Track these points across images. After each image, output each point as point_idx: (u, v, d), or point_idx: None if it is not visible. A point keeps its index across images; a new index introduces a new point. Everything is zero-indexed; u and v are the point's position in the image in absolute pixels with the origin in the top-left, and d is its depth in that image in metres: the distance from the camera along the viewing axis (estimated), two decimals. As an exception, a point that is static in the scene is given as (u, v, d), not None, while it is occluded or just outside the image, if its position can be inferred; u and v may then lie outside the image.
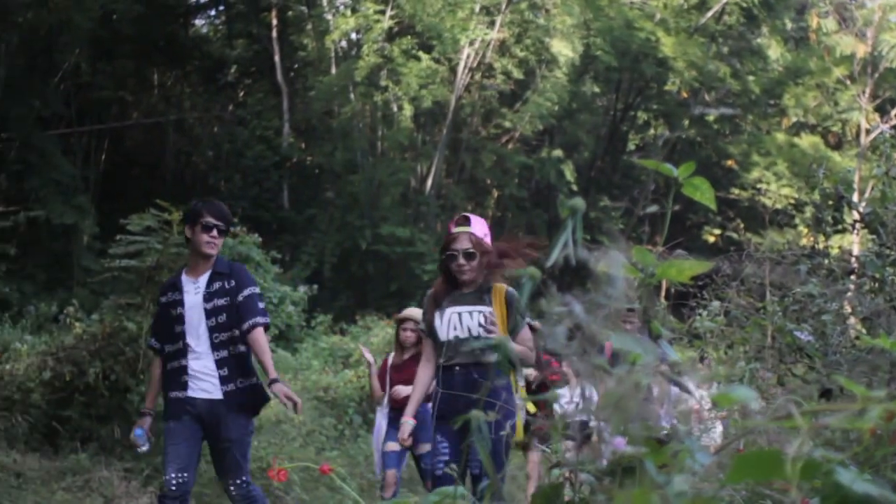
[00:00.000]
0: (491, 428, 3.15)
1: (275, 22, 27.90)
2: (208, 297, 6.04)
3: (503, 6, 25.55)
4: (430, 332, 5.76)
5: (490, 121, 27.86)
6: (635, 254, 1.69)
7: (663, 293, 20.37)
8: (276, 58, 27.51)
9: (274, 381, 5.87)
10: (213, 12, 33.39)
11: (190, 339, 5.98)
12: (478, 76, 26.68)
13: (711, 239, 29.46)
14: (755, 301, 5.38)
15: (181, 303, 6.05)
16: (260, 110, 28.76)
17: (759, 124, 30.88)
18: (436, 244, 24.14)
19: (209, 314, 6.01)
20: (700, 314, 5.47)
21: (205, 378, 5.97)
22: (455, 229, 5.81)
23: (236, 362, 6.01)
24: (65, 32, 23.55)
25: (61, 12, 22.15)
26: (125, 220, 13.35)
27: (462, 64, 25.61)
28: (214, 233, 6.08)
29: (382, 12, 25.41)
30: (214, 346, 5.97)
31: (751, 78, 28.80)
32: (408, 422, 5.88)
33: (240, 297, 6.05)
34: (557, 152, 27.54)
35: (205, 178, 28.37)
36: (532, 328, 7.71)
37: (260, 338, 6.08)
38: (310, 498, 9.31)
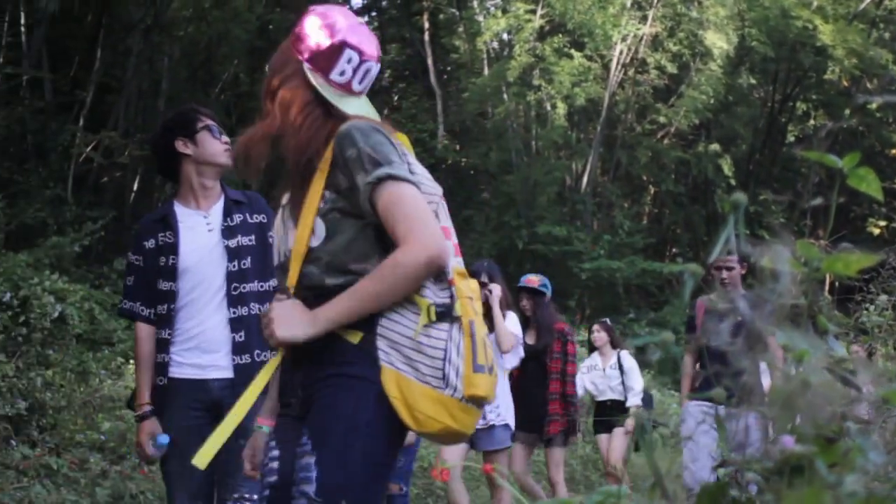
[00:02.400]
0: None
1: (427, 25, 28.15)
2: (228, 232, 4.47)
3: (655, 0, 25.30)
4: None
5: (644, 116, 27.58)
6: (800, 248, 1.66)
7: (828, 287, 19.87)
8: (429, 61, 27.75)
9: None
10: (365, 18, 33.88)
11: (191, 296, 4.41)
12: (631, 72, 26.46)
13: (876, 231, 28.59)
14: (925, 294, 5.21)
15: (175, 248, 4.42)
16: (414, 113, 29.06)
17: (925, 111, 29.91)
18: (593, 242, 24.05)
19: (232, 255, 4.43)
20: (867, 308, 5.32)
21: (212, 348, 4.40)
22: None
23: (250, 326, 4.39)
24: (223, 44, 24.18)
25: (220, 25, 22.74)
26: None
27: (615, 60, 25.43)
28: (226, 137, 4.57)
29: (533, 11, 25.40)
30: (231, 301, 4.39)
31: (915, 63, 27.91)
32: None
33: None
34: (714, 146, 27.11)
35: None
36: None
37: None
38: (471, 497, 9.37)
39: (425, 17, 28.26)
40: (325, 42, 2.93)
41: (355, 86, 2.96)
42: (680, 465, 5.93)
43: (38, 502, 6.61)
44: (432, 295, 2.71)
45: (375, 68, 3.03)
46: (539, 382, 8.41)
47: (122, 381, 10.51)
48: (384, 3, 31.98)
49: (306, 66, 2.93)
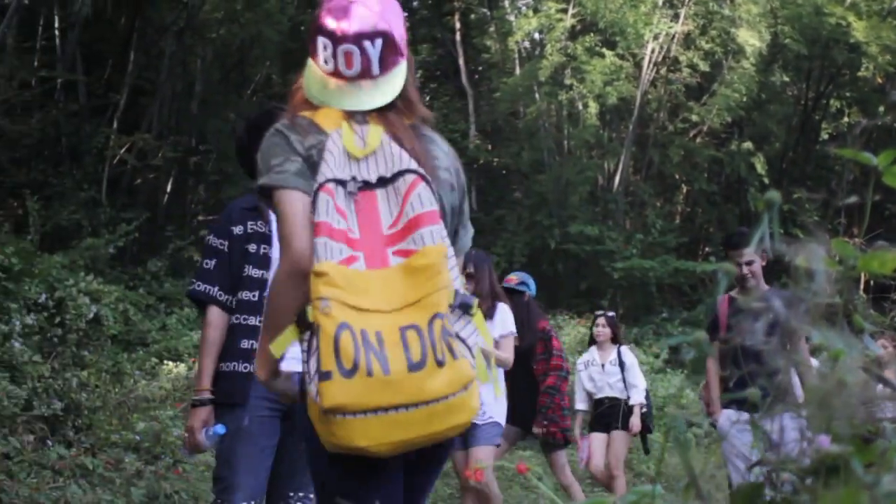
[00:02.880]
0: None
1: (458, 25, 28.14)
2: None
3: (687, -2, 25.23)
4: None
5: (677, 115, 27.46)
6: (835, 246, 1.65)
7: (863, 286, 19.74)
8: (461, 61, 27.75)
9: None
10: (398, 19, 33.90)
11: None
12: (663, 70, 26.35)
13: (912, 229, 28.40)
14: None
15: (269, 238, 4.41)
16: (446, 113, 29.06)
17: (961, 108, 29.63)
18: (625, 241, 23.99)
19: None
20: (903, 307, 5.29)
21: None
22: None
23: None
24: (256, 46, 24.25)
25: (251, 27, 22.82)
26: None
27: (647, 59, 25.34)
28: None
29: (564, 11, 25.36)
30: None
31: (951, 60, 27.66)
32: None
33: None
34: (747, 144, 26.94)
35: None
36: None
37: None
38: (504, 497, 9.36)
39: (456, 17, 28.25)
40: (312, 32, 2.96)
41: (344, 70, 2.89)
42: (714, 465, 5.87)
43: (74, 502, 6.66)
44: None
45: (358, 47, 2.87)
46: (524, 381, 8.32)
47: (156, 381, 10.57)
48: (415, 4, 31.99)
49: (311, 58, 2.98)
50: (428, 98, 31.16)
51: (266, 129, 4.16)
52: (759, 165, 26.47)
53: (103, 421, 8.54)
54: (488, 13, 28.07)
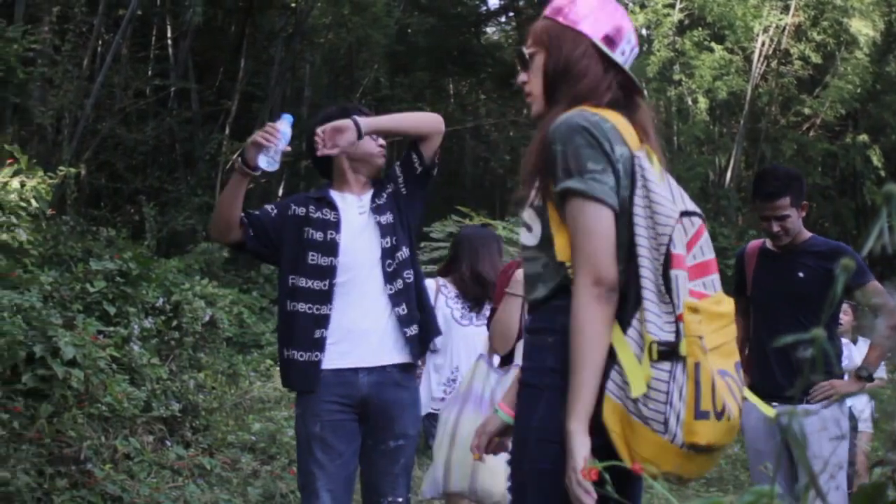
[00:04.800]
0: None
1: (564, 23, 28.04)
2: (377, 209, 4.40)
3: (797, -11, 24.80)
4: None
5: (789, 108, 26.98)
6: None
7: None
8: (567, 59, 27.63)
9: None
10: (503, 18, 33.93)
11: (348, 275, 4.27)
12: (774, 63, 25.93)
13: None
14: None
15: (338, 225, 4.35)
16: (553, 113, 28.98)
17: None
18: (738, 238, 23.67)
19: (384, 232, 4.35)
20: None
21: (367, 333, 4.26)
22: None
23: (409, 296, 4.34)
24: (363, 49, 24.47)
25: (359, 30, 23.03)
26: (428, 227, 13.71)
27: (757, 52, 24.96)
28: (382, 140, 4.55)
29: (672, 6, 25.09)
30: (387, 277, 4.30)
31: None
32: None
33: (398, 176, 4.52)
34: (863, 137, 26.37)
35: (503, 182, 28.83)
36: None
37: None
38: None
39: (562, 15, 28.15)
40: (610, 20, 2.82)
41: (626, 67, 2.85)
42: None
43: (193, 501, 6.78)
44: (657, 330, 2.50)
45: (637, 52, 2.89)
46: None
47: (270, 382, 10.70)
48: (521, 3, 31.95)
49: (598, 41, 2.78)
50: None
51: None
52: (876, 158, 25.90)
53: (220, 422, 8.68)
54: (595, 10, 27.89)
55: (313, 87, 23.63)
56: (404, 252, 4.37)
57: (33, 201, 8.55)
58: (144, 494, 6.36)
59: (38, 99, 14.26)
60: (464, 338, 6.21)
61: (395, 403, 4.26)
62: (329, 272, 4.24)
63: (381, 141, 4.49)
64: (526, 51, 2.86)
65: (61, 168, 10.31)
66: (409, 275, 4.34)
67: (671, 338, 2.48)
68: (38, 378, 6.13)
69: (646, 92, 24.26)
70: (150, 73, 19.78)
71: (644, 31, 26.79)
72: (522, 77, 2.88)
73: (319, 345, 4.18)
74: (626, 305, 2.57)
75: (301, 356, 4.20)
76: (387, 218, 4.36)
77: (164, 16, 20.35)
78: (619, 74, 2.80)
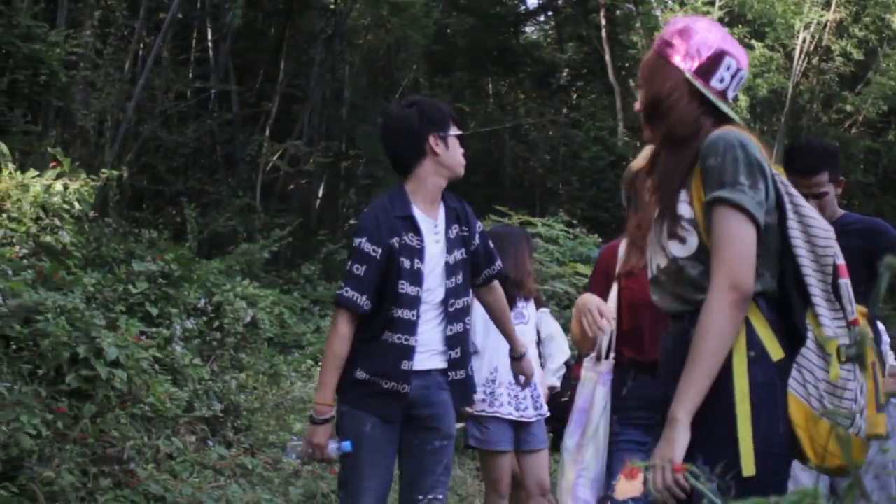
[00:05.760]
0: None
1: (603, 22, 27.95)
2: (449, 246, 4.31)
3: (839, -15, 24.60)
4: None
5: (830, 106, 26.80)
6: None
7: None
8: (607, 58, 27.54)
9: (524, 354, 4.68)
10: (541, 18, 33.87)
11: (425, 305, 4.23)
12: (815, 60, 25.75)
13: None
14: None
15: (421, 253, 4.24)
16: (593, 111, 28.91)
17: None
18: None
19: (451, 272, 4.29)
20: None
21: (426, 358, 4.28)
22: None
23: (464, 342, 4.40)
24: (402, 50, 24.53)
25: (398, 31, 23.08)
26: (467, 227, 13.59)
27: (797, 49, 24.79)
28: (462, 148, 4.41)
29: (711, 3, 24.97)
30: (448, 318, 4.27)
31: None
32: None
33: (475, 241, 4.41)
34: (906, 134, 26.19)
35: (542, 181, 28.77)
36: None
37: (501, 290, 4.60)
38: (659, 496, 9.21)
39: (602, 13, 28.07)
40: (706, 50, 2.90)
41: (730, 93, 2.96)
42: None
43: (235, 501, 6.81)
44: (831, 331, 2.70)
45: (745, 76, 2.99)
46: None
47: (311, 382, 10.73)
48: (559, 2, 31.90)
49: (689, 74, 2.89)
50: (575, 96, 31.08)
51: (441, 127, 4.25)
52: (919, 155, 25.68)
53: (261, 422, 8.72)
54: (634, 9, 27.82)
55: (353, 88, 23.70)
56: (466, 298, 4.39)
57: (76, 203, 8.63)
58: (187, 494, 6.40)
59: (80, 102, 14.39)
60: (503, 337, 6.18)
61: (441, 404, 4.30)
62: (417, 302, 4.20)
63: (463, 150, 4.39)
64: (635, 86, 3.09)
65: (104, 170, 10.40)
66: (468, 323, 4.39)
67: (847, 340, 2.70)
68: (81, 379, 6.18)
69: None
70: (190, 75, 19.92)
71: (683, 29, 26.64)
72: (636, 105, 3.06)
73: (407, 377, 4.20)
74: (791, 312, 2.77)
75: (386, 385, 4.20)
76: (455, 257, 4.31)
77: (205, 19, 20.47)
78: (710, 107, 2.91)
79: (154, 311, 8.28)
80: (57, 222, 8.41)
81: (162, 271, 8.70)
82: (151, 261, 8.92)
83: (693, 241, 2.79)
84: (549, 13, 33.02)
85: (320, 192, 22.66)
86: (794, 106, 25.47)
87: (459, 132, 4.36)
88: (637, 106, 3.03)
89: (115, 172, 11.50)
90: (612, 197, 26.05)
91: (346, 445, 4.16)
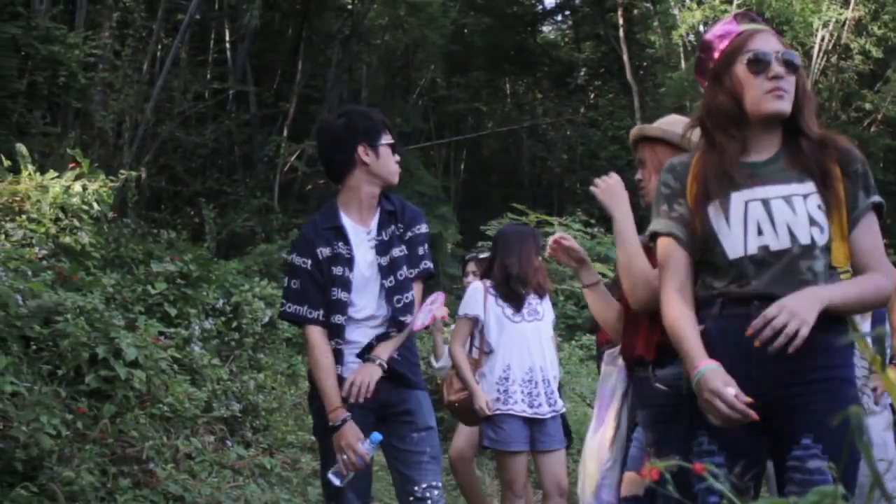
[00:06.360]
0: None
1: (621, 21, 27.92)
2: (382, 248, 4.39)
3: (858, -17, 24.51)
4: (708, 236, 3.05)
5: (849, 104, 26.69)
6: None
7: None
8: (625, 57, 27.51)
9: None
10: (559, 17, 33.85)
11: (358, 307, 4.34)
12: (833, 58, 25.66)
13: None
14: None
15: (350, 261, 4.36)
16: (611, 110, 28.87)
17: None
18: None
19: (387, 271, 4.37)
20: None
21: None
22: (741, 26, 3.29)
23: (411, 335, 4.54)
24: (420, 50, 24.52)
25: (415, 31, 23.08)
26: (485, 226, 13.71)
27: (816, 47, 24.70)
28: (398, 157, 4.47)
29: (729, 2, 24.90)
30: (396, 312, 4.34)
31: None
32: None
33: (408, 235, 4.47)
34: (925, 132, 26.08)
35: (560, 181, 28.76)
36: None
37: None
38: (677, 496, 9.18)
39: (619, 13, 28.03)
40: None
41: None
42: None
43: (254, 501, 6.84)
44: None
45: None
46: None
47: (329, 383, 10.73)
48: (577, 2, 31.87)
49: None
50: (592, 96, 31.05)
51: (370, 137, 4.32)
52: (939, 153, 25.58)
53: (279, 422, 8.74)
54: (651, 7, 27.78)
55: (370, 89, 23.71)
56: (410, 293, 4.41)
57: (95, 204, 8.66)
58: (206, 494, 6.43)
59: (99, 103, 14.44)
60: (518, 334, 6.20)
61: (411, 399, 4.38)
62: (345, 307, 4.31)
63: (398, 157, 4.44)
64: None
65: (122, 171, 10.43)
66: (405, 283, 4.40)
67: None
68: (101, 379, 6.21)
69: (702, 90, 24.32)
70: (208, 76, 19.95)
71: (702, 28, 26.61)
72: None
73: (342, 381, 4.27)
74: None
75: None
76: (391, 255, 4.38)
77: (222, 20, 20.51)
78: None
79: (173, 312, 8.31)
80: (76, 223, 8.44)
81: (180, 272, 8.74)
82: (170, 261, 8.96)
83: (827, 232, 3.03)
84: (567, 12, 33.02)
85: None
86: (812, 104, 25.38)
87: (391, 141, 4.40)
88: None
89: (133, 173, 11.53)
90: (631, 196, 25.99)
91: (375, 436, 4.20)
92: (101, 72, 14.52)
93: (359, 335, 4.33)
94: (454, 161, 27.59)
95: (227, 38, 20.49)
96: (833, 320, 2.81)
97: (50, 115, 13.69)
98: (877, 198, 3.02)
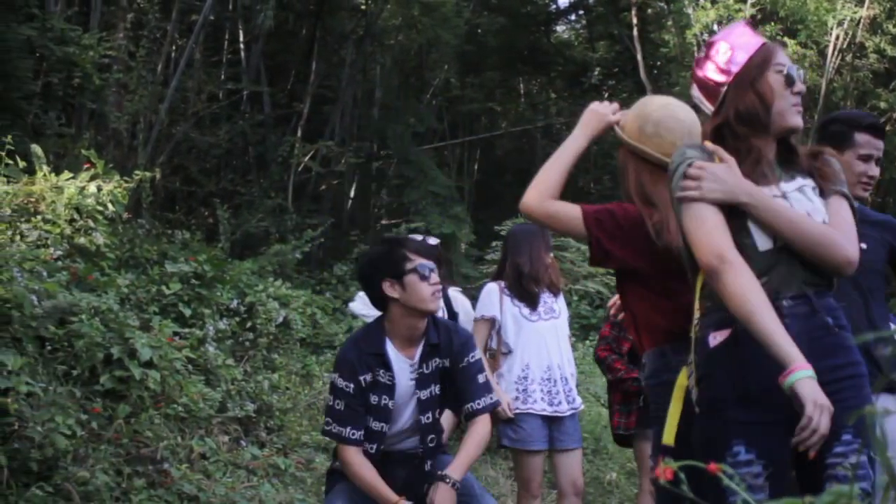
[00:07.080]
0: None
1: (634, 21, 27.87)
2: (422, 382, 4.40)
3: (873, -19, 24.41)
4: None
5: (864, 103, 26.58)
6: None
7: None
8: (639, 56, 27.46)
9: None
10: (573, 17, 33.80)
11: (392, 439, 4.44)
12: (848, 57, 25.57)
13: None
14: None
15: (392, 389, 4.36)
16: (625, 110, 28.80)
17: None
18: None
19: (423, 408, 4.41)
20: None
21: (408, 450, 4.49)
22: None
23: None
24: (433, 50, 24.53)
25: (429, 31, 23.08)
26: (499, 226, 13.69)
27: (831, 46, 24.63)
28: (435, 277, 4.37)
29: (744, 1, 24.86)
30: (427, 451, 4.45)
31: None
32: None
33: (460, 364, 4.43)
34: (942, 130, 25.96)
35: (574, 180, 28.71)
36: None
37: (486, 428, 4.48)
38: None
39: (633, 12, 27.98)
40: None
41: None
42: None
43: (268, 501, 6.84)
44: None
45: None
46: None
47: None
48: (591, 1, 31.83)
49: None
50: (606, 95, 30.99)
51: (391, 271, 4.32)
52: (954, 152, 25.45)
53: (294, 422, 8.74)
54: (665, 7, 27.72)
55: (384, 89, 23.73)
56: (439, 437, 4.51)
57: (110, 205, 8.67)
58: (220, 494, 6.43)
59: (113, 104, 14.47)
60: (535, 333, 6.18)
61: (429, 475, 4.40)
62: (381, 438, 4.37)
63: (435, 278, 4.37)
64: None
65: (137, 172, 10.44)
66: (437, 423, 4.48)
67: None
68: (115, 379, 6.22)
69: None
70: (222, 77, 20.00)
71: (716, 27, 26.54)
72: None
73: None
74: None
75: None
76: (431, 391, 4.40)
77: (236, 21, 20.54)
78: None
79: (187, 312, 8.33)
80: (91, 224, 8.46)
81: (195, 272, 8.75)
82: (184, 262, 8.97)
83: None
84: (581, 12, 32.95)
85: (352, 193, 22.71)
86: (827, 103, 25.29)
87: (417, 264, 4.33)
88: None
89: (147, 174, 11.55)
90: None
91: None
92: (116, 73, 14.56)
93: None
94: (468, 161, 27.62)
95: (241, 38, 20.52)
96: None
97: (65, 116, 13.73)
98: (845, 189, 3.17)
